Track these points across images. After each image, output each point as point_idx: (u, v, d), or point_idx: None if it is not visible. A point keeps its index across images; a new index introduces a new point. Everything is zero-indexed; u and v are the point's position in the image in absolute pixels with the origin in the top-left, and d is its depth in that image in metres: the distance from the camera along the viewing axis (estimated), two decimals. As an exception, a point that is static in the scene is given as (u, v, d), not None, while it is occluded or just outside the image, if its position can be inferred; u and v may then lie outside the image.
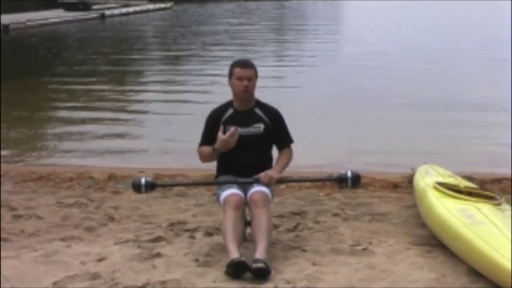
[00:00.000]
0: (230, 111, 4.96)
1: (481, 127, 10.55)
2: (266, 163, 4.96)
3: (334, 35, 27.56)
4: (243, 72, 4.87)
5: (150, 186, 5.03)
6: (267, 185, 4.81)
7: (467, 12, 39.11)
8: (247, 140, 4.87)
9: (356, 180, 4.98)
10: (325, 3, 52.26)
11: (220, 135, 4.78)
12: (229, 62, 5.11)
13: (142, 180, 5.01)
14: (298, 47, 23.29)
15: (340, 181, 5.02)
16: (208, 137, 4.94)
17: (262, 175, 4.79)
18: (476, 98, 13.15)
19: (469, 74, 16.45)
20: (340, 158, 8.40)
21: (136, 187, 5.02)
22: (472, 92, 13.82)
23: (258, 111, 4.96)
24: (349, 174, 4.95)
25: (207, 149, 4.92)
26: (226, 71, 5.03)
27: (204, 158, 4.99)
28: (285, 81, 15.64)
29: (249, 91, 4.89)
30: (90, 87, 15.42)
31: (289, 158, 5.02)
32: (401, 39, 24.20)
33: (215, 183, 5.08)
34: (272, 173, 4.84)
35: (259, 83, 5.01)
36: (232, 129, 4.75)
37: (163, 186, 6.21)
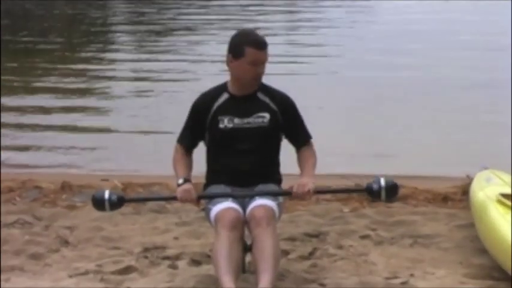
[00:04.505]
0: (225, 96, 4.90)
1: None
2: (271, 167, 4.93)
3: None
4: (260, 55, 4.76)
5: (118, 202, 4.93)
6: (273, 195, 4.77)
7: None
8: (247, 134, 4.82)
9: (392, 191, 4.93)
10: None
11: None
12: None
13: (106, 194, 4.91)
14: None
15: (371, 192, 4.96)
16: (191, 132, 4.94)
17: (295, 186, 4.72)
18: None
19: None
20: (366, 163, 8.44)
21: (99, 203, 4.92)
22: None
23: (262, 96, 4.90)
24: (382, 182, 4.89)
25: (180, 170, 4.93)
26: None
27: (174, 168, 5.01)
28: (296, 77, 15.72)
29: (260, 79, 4.83)
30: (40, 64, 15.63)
31: (316, 159, 4.96)
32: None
33: (203, 196, 4.98)
34: (307, 181, 4.75)
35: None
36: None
37: (135, 201, 6.24)
